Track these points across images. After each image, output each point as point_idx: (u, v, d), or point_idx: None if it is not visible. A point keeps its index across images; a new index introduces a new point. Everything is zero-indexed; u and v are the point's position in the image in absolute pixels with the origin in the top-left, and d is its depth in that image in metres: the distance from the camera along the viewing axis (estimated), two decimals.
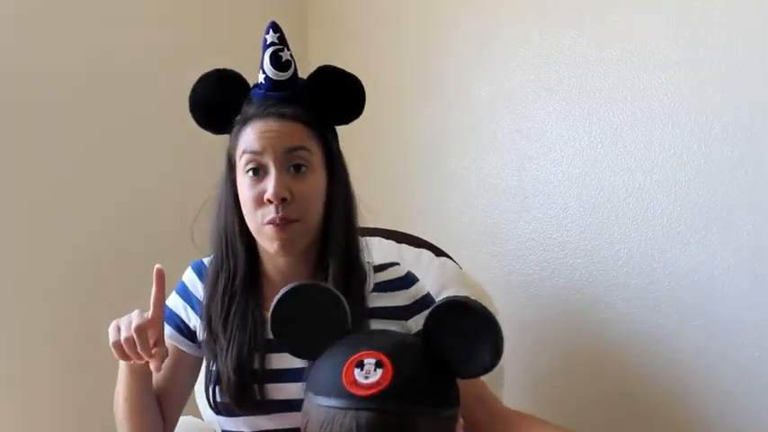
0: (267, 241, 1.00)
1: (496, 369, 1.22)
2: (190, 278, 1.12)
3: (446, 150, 1.75)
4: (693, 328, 1.35)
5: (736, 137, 1.29)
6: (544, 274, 1.57)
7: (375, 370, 0.67)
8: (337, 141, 1.07)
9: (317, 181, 1.02)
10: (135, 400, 1.02)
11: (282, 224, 0.97)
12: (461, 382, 0.79)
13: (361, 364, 0.68)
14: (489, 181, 1.66)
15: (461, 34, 1.71)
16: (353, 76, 1.04)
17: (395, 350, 0.69)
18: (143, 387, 1.02)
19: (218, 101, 1.03)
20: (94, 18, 1.67)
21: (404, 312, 1.07)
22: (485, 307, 0.71)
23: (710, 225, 1.33)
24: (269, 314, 0.82)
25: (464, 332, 0.71)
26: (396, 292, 1.08)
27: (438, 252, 1.47)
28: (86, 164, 1.66)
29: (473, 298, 0.72)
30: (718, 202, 1.31)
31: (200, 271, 1.11)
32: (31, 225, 1.57)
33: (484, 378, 1.11)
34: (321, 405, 0.69)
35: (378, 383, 0.66)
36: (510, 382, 1.38)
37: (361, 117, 1.06)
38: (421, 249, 1.46)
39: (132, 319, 0.92)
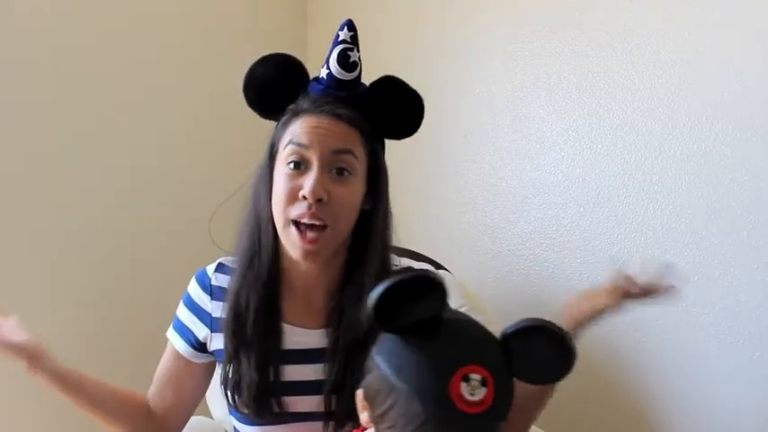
0: (290, 244, 0.96)
1: None
2: (195, 290, 1.09)
3: (446, 150, 1.75)
4: (693, 328, 1.35)
5: (736, 137, 1.29)
6: (544, 274, 1.56)
7: (480, 387, 0.72)
8: (384, 154, 1.04)
9: (356, 188, 0.98)
10: (95, 412, 1.04)
11: (307, 230, 0.94)
12: None
13: (467, 378, 0.72)
14: (489, 181, 1.66)
15: (461, 34, 1.71)
16: (416, 91, 1.01)
17: (495, 367, 0.74)
18: (85, 400, 1.02)
19: (276, 84, 1.00)
20: (97, 20, 1.68)
21: None
22: (562, 330, 0.76)
23: (710, 225, 1.33)
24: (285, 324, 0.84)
25: (542, 354, 0.77)
26: None
27: (437, 266, 1.47)
28: (101, 163, 1.66)
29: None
30: (718, 202, 1.31)
31: (203, 283, 1.08)
32: (35, 226, 1.57)
33: None
34: (420, 405, 0.72)
35: (482, 402, 0.71)
36: None
37: None
38: (421, 263, 1.46)
39: None
